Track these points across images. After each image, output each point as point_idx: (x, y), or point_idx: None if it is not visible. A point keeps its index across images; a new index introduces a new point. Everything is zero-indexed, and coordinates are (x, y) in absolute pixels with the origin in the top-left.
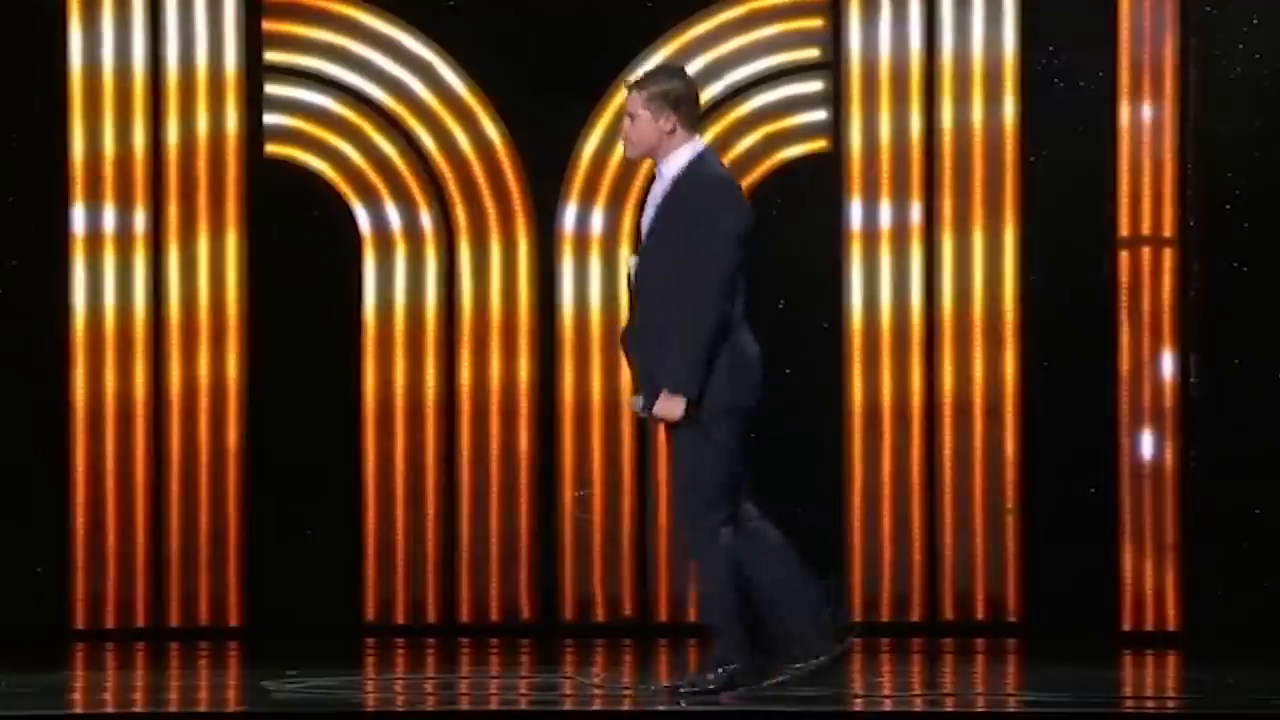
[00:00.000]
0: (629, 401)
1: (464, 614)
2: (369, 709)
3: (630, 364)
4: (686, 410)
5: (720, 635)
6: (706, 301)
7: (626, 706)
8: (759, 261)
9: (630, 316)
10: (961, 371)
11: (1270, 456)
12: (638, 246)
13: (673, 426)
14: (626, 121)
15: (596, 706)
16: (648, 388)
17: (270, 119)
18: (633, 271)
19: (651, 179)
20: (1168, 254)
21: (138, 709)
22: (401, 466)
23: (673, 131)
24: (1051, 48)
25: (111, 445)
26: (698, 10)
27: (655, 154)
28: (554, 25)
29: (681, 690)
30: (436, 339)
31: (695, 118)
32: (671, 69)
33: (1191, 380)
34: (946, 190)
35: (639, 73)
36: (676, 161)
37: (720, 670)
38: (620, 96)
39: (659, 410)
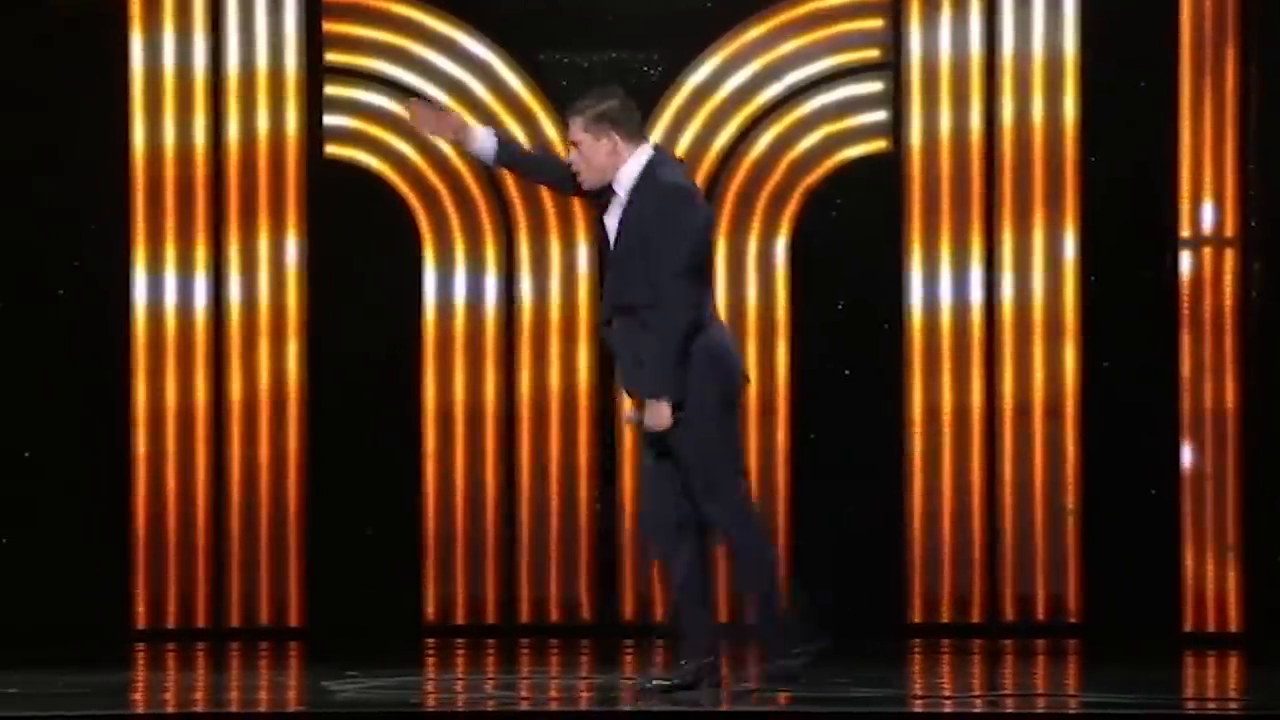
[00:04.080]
0: (626, 416)
1: (524, 614)
2: (429, 709)
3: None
4: (673, 412)
5: (768, 602)
6: (675, 303)
7: (686, 707)
8: (820, 263)
9: (606, 314)
10: (1022, 372)
11: None
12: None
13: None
14: (573, 152)
15: (656, 707)
16: (635, 376)
17: (330, 120)
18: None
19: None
20: (1229, 254)
21: (198, 709)
22: (461, 466)
23: (615, 150)
24: (1112, 47)
25: (172, 446)
26: (757, 11)
27: (609, 175)
28: (612, 25)
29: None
30: (496, 339)
31: (636, 130)
32: (603, 90)
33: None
34: (1007, 191)
35: (575, 102)
36: (629, 174)
37: (800, 647)
38: (680, 96)
39: (649, 423)
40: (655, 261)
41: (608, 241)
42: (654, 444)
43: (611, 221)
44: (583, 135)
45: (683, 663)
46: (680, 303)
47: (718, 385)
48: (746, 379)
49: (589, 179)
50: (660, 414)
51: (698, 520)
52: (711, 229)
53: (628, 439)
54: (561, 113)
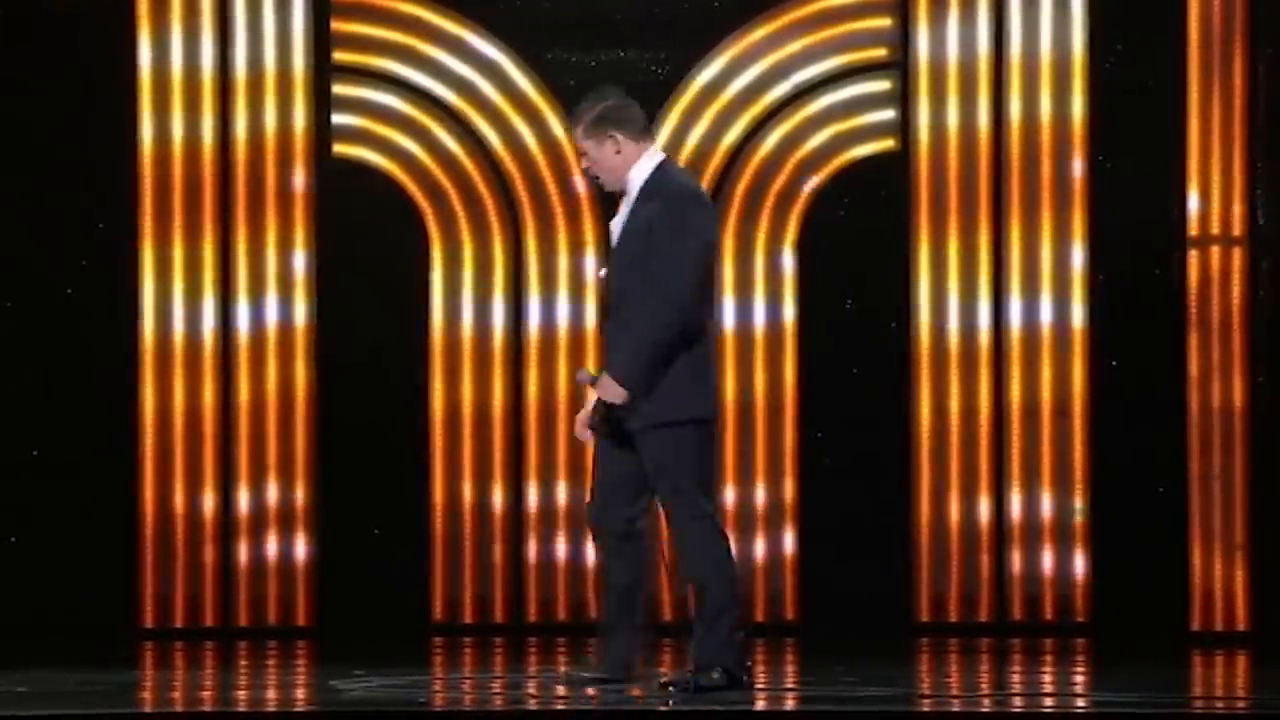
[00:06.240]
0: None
1: (531, 613)
2: (437, 708)
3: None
4: (625, 404)
5: (712, 627)
6: (667, 309)
7: (691, 705)
8: (828, 261)
9: (602, 327)
10: (1029, 370)
11: None
12: (606, 258)
13: (641, 435)
14: (585, 163)
15: (663, 708)
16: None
17: (338, 119)
18: (601, 277)
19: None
20: (1237, 253)
21: (206, 708)
22: (469, 466)
23: (619, 150)
24: (1120, 46)
25: (180, 444)
26: (764, 10)
27: (623, 176)
28: (620, 24)
29: (673, 688)
30: (504, 340)
31: (641, 128)
32: (598, 92)
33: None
34: (1014, 189)
35: (573, 111)
36: (639, 174)
37: (717, 671)
38: (688, 96)
39: (601, 392)
40: (656, 262)
41: (610, 245)
42: (613, 433)
43: (616, 225)
44: (586, 142)
45: (606, 658)
46: (671, 303)
47: (696, 400)
48: (716, 411)
49: (608, 183)
50: (613, 391)
51: (644, 527)
52: (716, 239)
53: None
54: (569, 111)
